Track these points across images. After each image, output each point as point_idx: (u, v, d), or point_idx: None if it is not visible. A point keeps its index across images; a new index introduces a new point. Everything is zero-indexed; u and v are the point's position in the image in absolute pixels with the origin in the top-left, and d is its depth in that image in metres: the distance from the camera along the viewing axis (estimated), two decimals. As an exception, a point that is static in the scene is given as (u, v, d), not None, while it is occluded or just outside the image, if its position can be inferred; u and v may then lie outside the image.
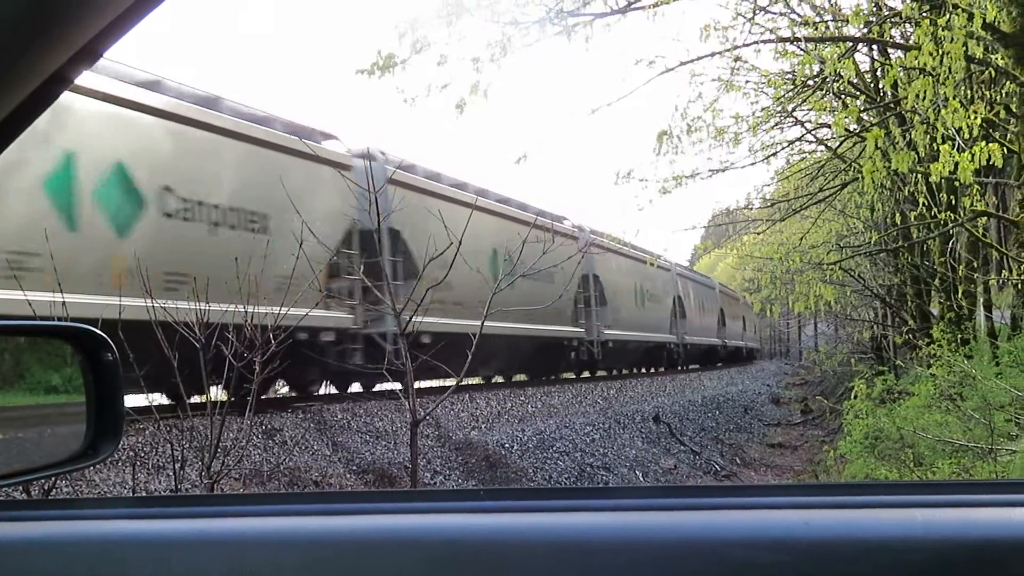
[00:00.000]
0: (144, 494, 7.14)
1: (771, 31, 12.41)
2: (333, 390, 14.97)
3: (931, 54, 7.92)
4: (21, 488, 4.70)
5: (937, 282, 17.04)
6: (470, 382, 19.46)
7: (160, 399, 8.92)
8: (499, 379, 22.42)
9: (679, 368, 33.58)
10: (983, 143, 7.93)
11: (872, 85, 15.63)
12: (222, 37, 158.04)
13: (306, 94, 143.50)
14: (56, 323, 2.06)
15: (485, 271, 14.12)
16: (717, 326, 41.85)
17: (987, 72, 10.35)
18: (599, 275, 23.99)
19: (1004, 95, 10.59)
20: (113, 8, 1.10)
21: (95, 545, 1.34)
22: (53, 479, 5.60)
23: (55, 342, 1.89)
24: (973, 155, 7.84)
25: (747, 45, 11.75)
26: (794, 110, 15.16)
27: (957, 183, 10.83)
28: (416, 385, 11.90)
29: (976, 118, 8.12)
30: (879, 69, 14.80)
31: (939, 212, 12.78)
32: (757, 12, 12.09)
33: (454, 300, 13.78)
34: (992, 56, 9.43)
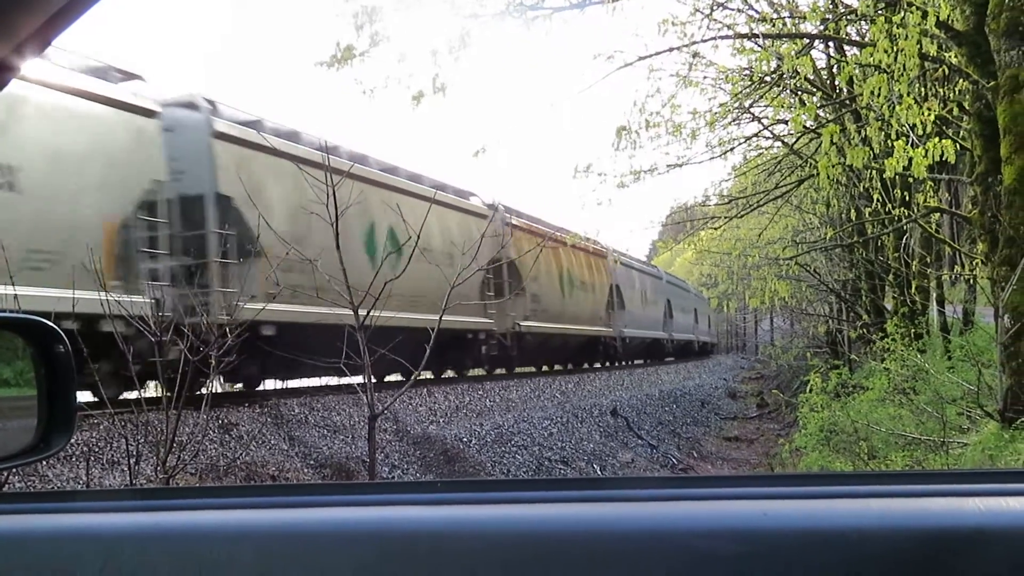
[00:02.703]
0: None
1: (729, 27, 12.45)
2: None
3: (886, 51, 8.01)
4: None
5: (891, 277, 17.25)
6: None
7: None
8: (478, 372, 22.75)
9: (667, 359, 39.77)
10: (936, 140, 8.02)
11: (828, 82, 15.75)
12: (174, 29, 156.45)
13: (270, 86, 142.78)
14: (7, 315, 2.01)
15: (559, 287, 23.24)
16: (693, 324, 47.03)
17: (941, 70, 10.46)
18: (619, 285, 30.11)
19: (957, 92, 10.71)
20: None
21: (46, 539, 1.32)
22: (4, 474, 5.53)
23: (6, 334, 1.83)
24: (927, 151, 7.94)
25: (705, 41, 11.79)
26: (751, 106, 15.22)
27: (911, 179, 10.99)
28: (518, 369, 22.23)
29: (930, 115, 8.23)
30: (835, 66, 14.91)
31: (893, 208, 12.95)
32: (715, 8, 12.12)
33: (542, 308, 21.28)
34: (945, 54, 9.53)
